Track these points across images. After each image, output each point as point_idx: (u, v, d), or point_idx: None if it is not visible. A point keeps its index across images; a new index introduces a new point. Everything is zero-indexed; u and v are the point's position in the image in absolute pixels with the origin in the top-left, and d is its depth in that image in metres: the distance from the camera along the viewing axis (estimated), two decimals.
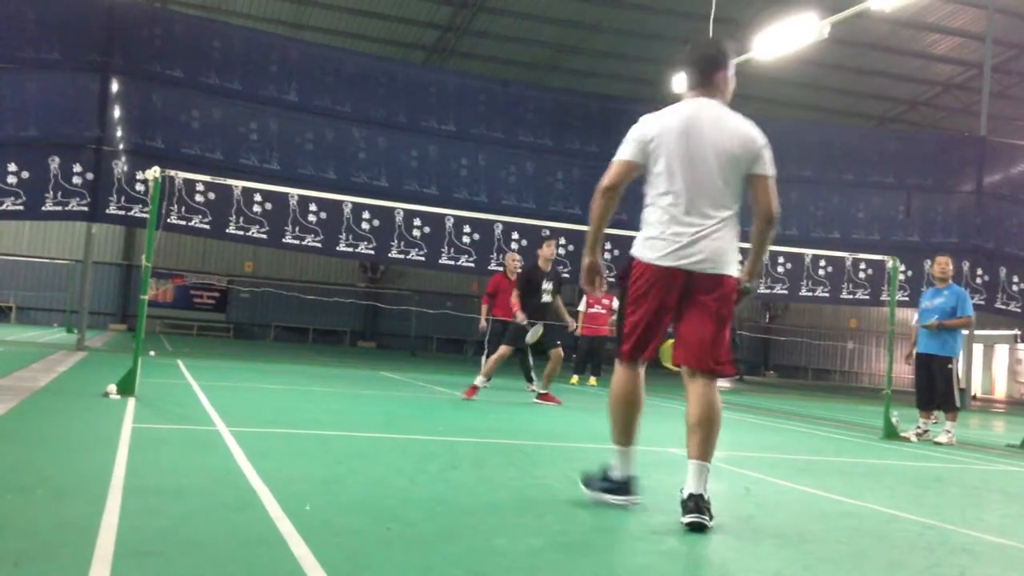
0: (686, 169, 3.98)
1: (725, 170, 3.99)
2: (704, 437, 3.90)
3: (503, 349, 10.30)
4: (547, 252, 10.56)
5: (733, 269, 4.05)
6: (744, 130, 4.06)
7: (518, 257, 11.75)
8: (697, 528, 3.71)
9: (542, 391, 10.57)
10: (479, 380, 10.33)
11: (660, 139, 4.03)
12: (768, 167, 4.08)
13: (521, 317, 10.18)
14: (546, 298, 10.39)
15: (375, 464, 5.13)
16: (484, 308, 11.74)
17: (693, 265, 3.96)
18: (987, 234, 20.36)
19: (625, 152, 4.10)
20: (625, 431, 4.16)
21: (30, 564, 2.60)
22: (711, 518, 3.76)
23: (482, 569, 2.94)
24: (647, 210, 4.11)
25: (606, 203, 4.09)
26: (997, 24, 23.21)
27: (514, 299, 10.28)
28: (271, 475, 4.26)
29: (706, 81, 4.16)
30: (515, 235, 17.53)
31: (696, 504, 3.77)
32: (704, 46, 4.34)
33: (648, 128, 4.08)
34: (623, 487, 4.15)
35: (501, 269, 18.06)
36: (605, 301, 15.74)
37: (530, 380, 11.09)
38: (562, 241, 18.03)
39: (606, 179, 4.09)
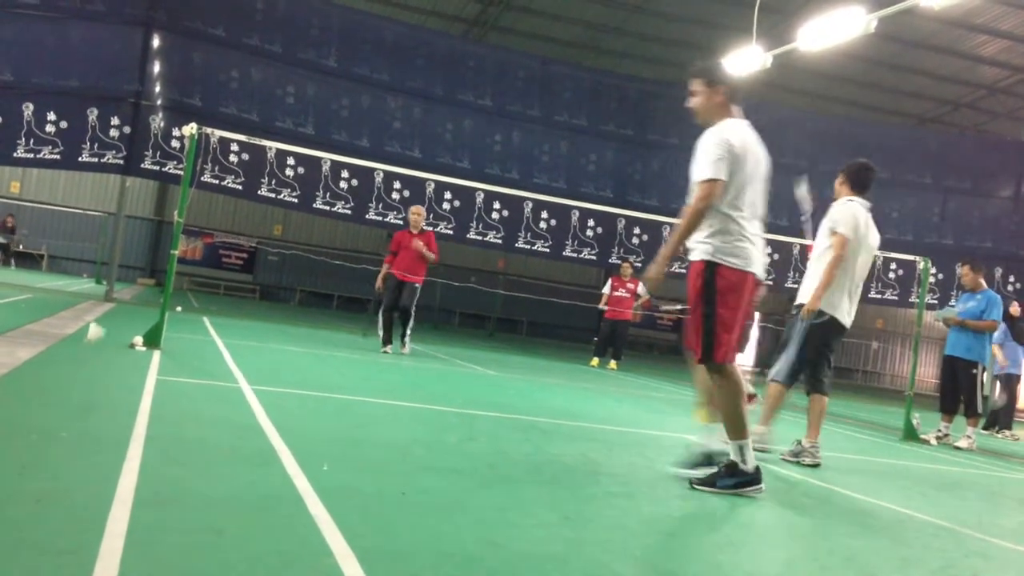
0: (753, 185, 4.47)
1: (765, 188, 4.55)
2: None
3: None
4: None
5: None
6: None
7: (421, 211, 11.89)
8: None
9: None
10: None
11: (742, 155, 4.40)
12: None
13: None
14: None
15: (393, 431, 5.16)
16: (384, 268, 11.68)
17: (760, 272, 4.49)
18: (1022, 241, 20.08)
19: (722, 171, 4.35)
20: (747, 424, 4.45)
21: (51, 503, 2.64)
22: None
23: (494, 539, 2.96)
24: (720, 218, 4.39)
25: (702, 220, 4.38)
26: None
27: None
28: (290, 434, 4.30)
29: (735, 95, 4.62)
30: (544, 214, 17.50)
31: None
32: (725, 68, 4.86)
33: (734, 145, 4.38)
34: (757, 477, 4.41)
35: (528, 247, 18.18)
36: (630, 285, 15.68)
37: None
38: (591, 223, 18.02)
39: (712, 199, 4.34)
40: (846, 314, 6.21)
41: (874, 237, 6.40)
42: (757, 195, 4.51)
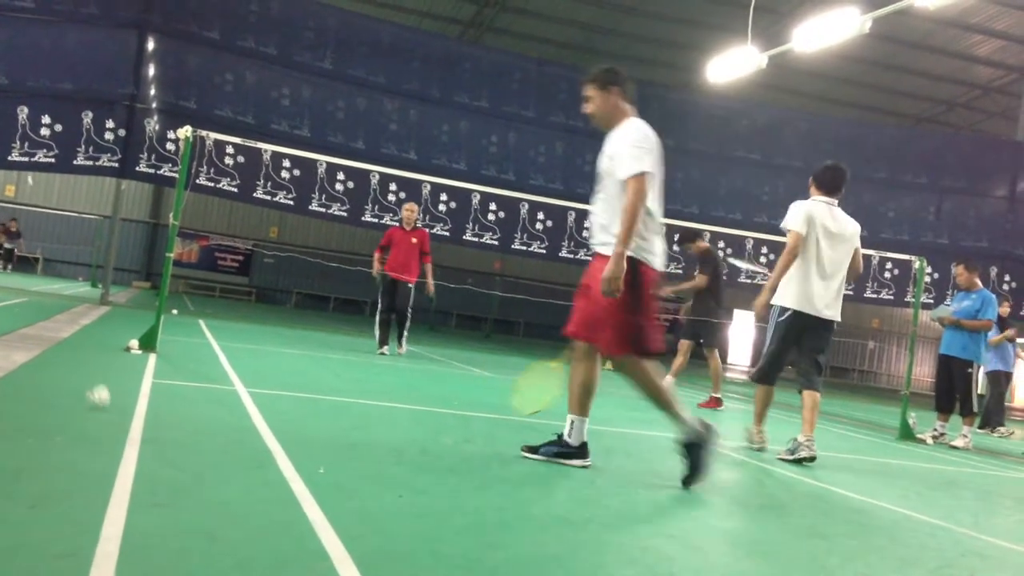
0: (658, 184, 4.56)
1: None
2: None
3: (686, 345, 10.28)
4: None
5: None
6: None
7: (415, 208, 11.93)
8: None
9: (716, 395, 10.16)
10: (716, 394, 10.14)
11: (656, 151, 4.51)
12: None
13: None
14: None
15: (390, 432, 5.16)
16: (376, 257, 11.68)
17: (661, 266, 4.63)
18: (1017, 240, 20.13)
19: (647, 165, 4.42)
20: (585, 404, 4.73)
21: (46, 507, 2.64)
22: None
23: (491, 540, 2.96)
24: (644, 219, 4.47)
25: (641, 214, 4.40)
26: None
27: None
28: (287, 437, 4.30)
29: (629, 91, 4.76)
30: (540, 215, 17.49)
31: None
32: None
33: (652, 141, 4.50)
34: (583, 451, 4.66)
35: (525, 249, 18.15)
36: None
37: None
38: (588, 224, 18.01)
39: (646, 193, 4.38)
40: (818, 306, 6.21)
41: (849, 227, 6.41)
42: (659, 191, 4.61)
